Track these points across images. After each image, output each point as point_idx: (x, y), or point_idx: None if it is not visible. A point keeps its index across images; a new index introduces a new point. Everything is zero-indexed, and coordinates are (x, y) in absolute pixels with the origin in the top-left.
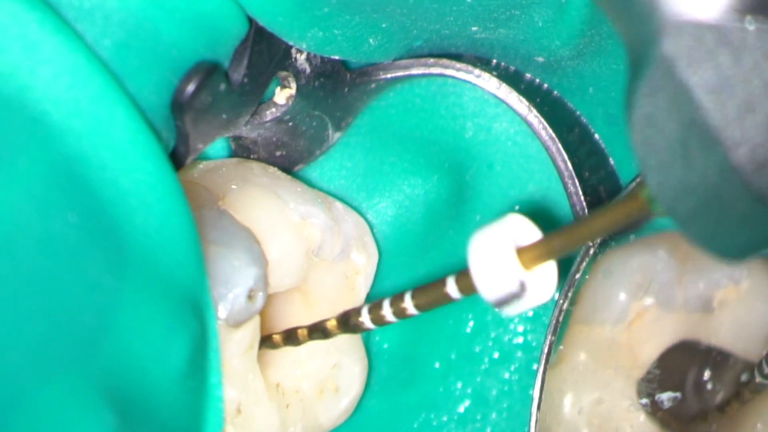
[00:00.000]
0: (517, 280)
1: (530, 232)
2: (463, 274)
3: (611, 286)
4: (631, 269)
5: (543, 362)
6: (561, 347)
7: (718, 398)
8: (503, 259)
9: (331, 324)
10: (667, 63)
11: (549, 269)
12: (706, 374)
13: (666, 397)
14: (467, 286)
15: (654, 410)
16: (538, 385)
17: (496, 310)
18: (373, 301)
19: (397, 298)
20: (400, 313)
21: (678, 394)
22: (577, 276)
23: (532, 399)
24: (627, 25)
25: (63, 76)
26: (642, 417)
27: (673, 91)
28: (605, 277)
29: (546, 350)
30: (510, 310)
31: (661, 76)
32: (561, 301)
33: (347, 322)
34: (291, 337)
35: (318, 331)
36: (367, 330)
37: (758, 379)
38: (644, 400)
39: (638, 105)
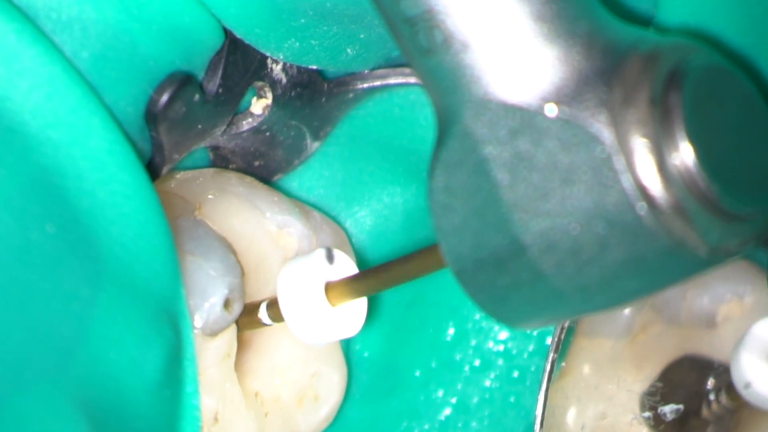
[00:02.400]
0: (322, 313)
1: (345, 267)
2: (273, 302)
3: None
4: None
5: (546, 380)
6: (564, 363)
7: (720, 412)
8: (311, 293)
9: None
10: (468, 137)
11: (358, 306)
12: (709, 388)
13: (669, 410)
14: (277, 314)
15: (657, 423)
16: (540, 403)
17: (303, 340)
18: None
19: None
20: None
21: (681, 407)
22: None
23: (534, 417)
24: (436, 95)
25: (41, 87)
26: (645, 431)
27: (472, 165)
28: None
29: (549, 368)
30: (314, 341)
31: (461, 148)
32: None
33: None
34: None
35: None
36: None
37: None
38: (647, 414)
39: (437, 173)
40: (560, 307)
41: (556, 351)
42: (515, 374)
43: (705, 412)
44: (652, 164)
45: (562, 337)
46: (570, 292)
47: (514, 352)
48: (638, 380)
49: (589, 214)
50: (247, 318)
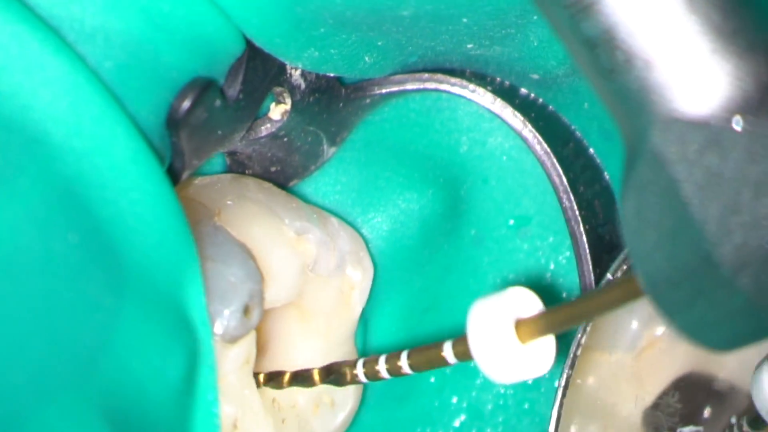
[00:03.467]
0: (513, 352)
1: (532, 305)
2: (460, 340)
3: (624, 313)
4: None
5: (560, 396)
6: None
7: (722, 430)
8: (501, 331)
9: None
10: (656, 158)
11: (547, 343)
12: (712, 406)
13: (687, 431)
14: (463, 352)
15: None
16: (554, 419)
17: (493, 380)
18: (369, 357)
19: (393, 356)
20: (394, 371)
21: (701, 428)
22: None
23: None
24: (621, 117)
25: (64, 96)
26: None
27: (662, 185)
28: None
29: (563, 383)
30: (505, 381)
31: (650, 170)
32: (579, 336)
33: (340, 374)
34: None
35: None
36: (360, 383)
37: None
38: (697, 429)
39: (629, 196)
40: (762, 325)
41: (571, 367)
42: (529, 381)
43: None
44: None
45: (578, 353)
46: None
47: None
48: (642, 395)
49: None
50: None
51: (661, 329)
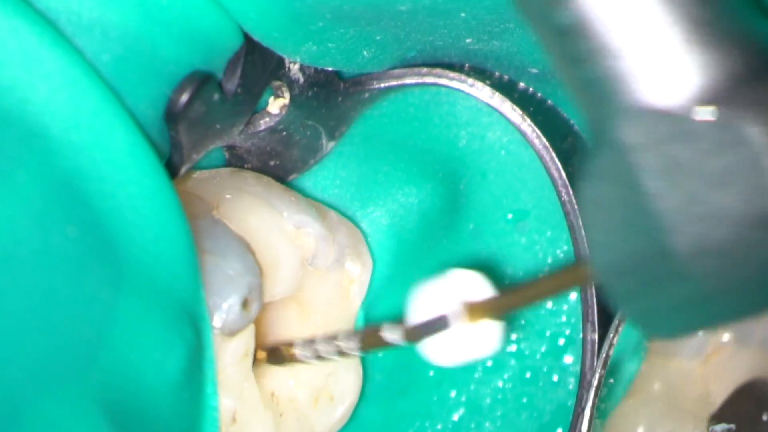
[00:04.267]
0: (455, 334)
1: (479, 288)
2: (404, 323)
3: None
4: None
5: (592, 396)
6: (636, 378)
7: None
8: (443, 312)
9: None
10: (620, 146)
11: (491, 326)
12: None
13: (720, 429)
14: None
15: None
16: (586, 419)
17: (433, 361)
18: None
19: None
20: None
21: (732, 426)
22: None
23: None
24: (588, 106)
25: (62, 90)
26: None
27: (623, 173)
28: None
29: (596, 383)
30: (446, 363)
31: (613, 158)
32: (611, 335)
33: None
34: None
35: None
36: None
37: None
38: (729, 426)
39: (590, 185)
40: (713, 314)
41: (603, 367)
42: (528, 375)
43: None
44: None
45: (611, 353)
46: (722, 297)
47: (527, 352)
48: (708, 400)
49: (741, 216)
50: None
51: (727, 336)
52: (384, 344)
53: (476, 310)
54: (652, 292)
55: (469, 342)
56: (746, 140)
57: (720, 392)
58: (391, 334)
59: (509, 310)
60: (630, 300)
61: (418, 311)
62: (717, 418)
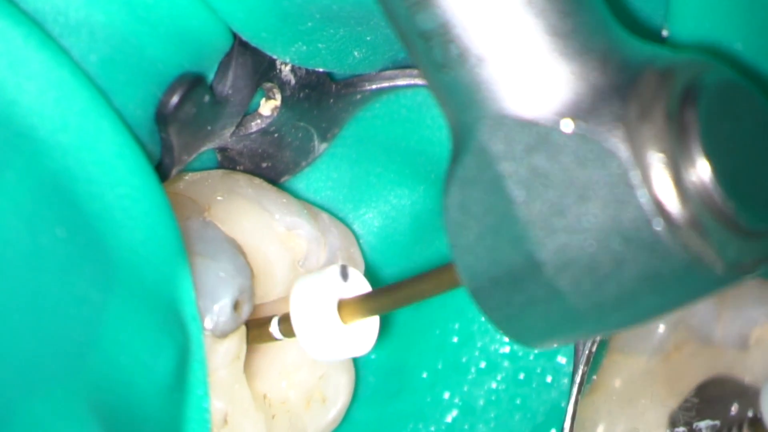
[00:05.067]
0: (334, 331)
1: (357, 283)
2: (285, 317)
3: None
4: None
5: (575, 393)
6: (595, 376)
7: None
8: (322, 309)
9: None
10: (483, 153)
11: (368, 323)
12: (739, 408)
13: (704, 425)
14: (288, 330)
15: None
16: (569, 416)
17: (313, 356)
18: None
19: None
20: None
21: (717, 423)
22: None
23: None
24: (451, 111)
25: (49, 91)
26: None
27: (487, 181)
28: None
29: (578, 380)
30: (324, 358)
31: (477, 165)
32: None
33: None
34: None
35: None
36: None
37: None
38: (680, 429)
39: (453, 190)
40: (576, 326)
41: (586, 364)
42: (521, 376)
43: None
44: (669, 180)
45: (593, 350)
46: (586, 309)
47: (520, 354)
48: (671, 396)
49: (605, 230)
50: (257, 331)
51: (687, 334)
52: (271, 338)
53: (350, 308)
54: (517, 301)
55: (344, 339)
56: (612, 155)
57: (682, 390)
58: (275, 328)
59: (383, 310)
60: (495, 308)
61: (296, 307)
62: (678, 416)
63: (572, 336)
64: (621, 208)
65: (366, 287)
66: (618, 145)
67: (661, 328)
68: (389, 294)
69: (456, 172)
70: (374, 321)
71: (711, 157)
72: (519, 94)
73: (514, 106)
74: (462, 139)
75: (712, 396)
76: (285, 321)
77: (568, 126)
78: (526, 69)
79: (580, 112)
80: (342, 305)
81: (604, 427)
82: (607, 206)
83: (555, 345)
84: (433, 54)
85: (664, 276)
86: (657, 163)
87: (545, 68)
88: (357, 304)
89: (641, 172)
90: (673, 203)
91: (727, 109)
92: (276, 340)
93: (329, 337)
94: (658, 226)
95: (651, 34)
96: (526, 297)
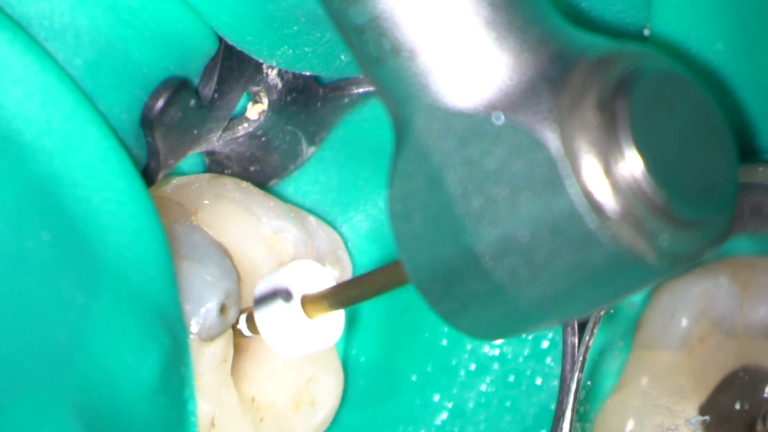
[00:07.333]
0: (298, 326)
1: (320, 278)
2: (252, 314)
3: (674, 312)
4: (693, 296)
5: (572, 400)
6: (623, 373)
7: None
8: (286, 305)
9: None
10: (420, 145)
11: (333, 317)
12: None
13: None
14: (254, 327)
15: None
16: (567, 421)
17: (278, 353)
18: None
19: None
20: None
21: (697, 417)
22: (602, 313)
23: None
24: (390, 104)
25: (34, 95)
26: None
27: (425, 174)
28: (668, 303)
29: (574, 387)
30: (288, 353)
31: (415, 157)
32: (587, 338)
33: None
34: None
35: None
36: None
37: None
38: (704, 418)
39: (395, 183)
40: (518, 317)
41: (581, 371)
42: (511, 378)
43: (760, 428)
44: (598, 170)
45: (587, 356)
46: (525, 301)
47: (510, 356)
48: (696, 391)
49: (538, 221)
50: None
51: (711, 326)
52: (241, 334)
53: (311, 302)
54: (459, 294)
55: (307, 334)
56: (541, 145)
57: (708, 382)
58: (243, 325)
59: (343, 304)
60: (439, 300)
61: (259, 303)
62: (706, 407)
63: (518, 328)
64: (552, 200)
65: (330, 281)
66: (548, 136)
67: (684, 321)
68: (351, 287)
69: (397, 165)
70: (340, 314)
71: (642, 147)
72: (452, 85)
73: (447, 98)
74: (401, 132)
75: (736, 390)
76: (252, 318)
77: (499, 118)
78: (458, 61)
79: (512, 103)
80: (305, 300)
81: (633, 423)
82: (539, 197)
83: (502, 337)
84: (368, 48)
85: (598, 267)
86: (586, 154)
87: (478, 60)
88: (319, 298)
89: (571, 164)
90: (603, 194)
91: (663, 99)
92: (245, 336)
93: (293, 333)
94: (589, 217)
95: (633, 34)
96: (468, 290)
